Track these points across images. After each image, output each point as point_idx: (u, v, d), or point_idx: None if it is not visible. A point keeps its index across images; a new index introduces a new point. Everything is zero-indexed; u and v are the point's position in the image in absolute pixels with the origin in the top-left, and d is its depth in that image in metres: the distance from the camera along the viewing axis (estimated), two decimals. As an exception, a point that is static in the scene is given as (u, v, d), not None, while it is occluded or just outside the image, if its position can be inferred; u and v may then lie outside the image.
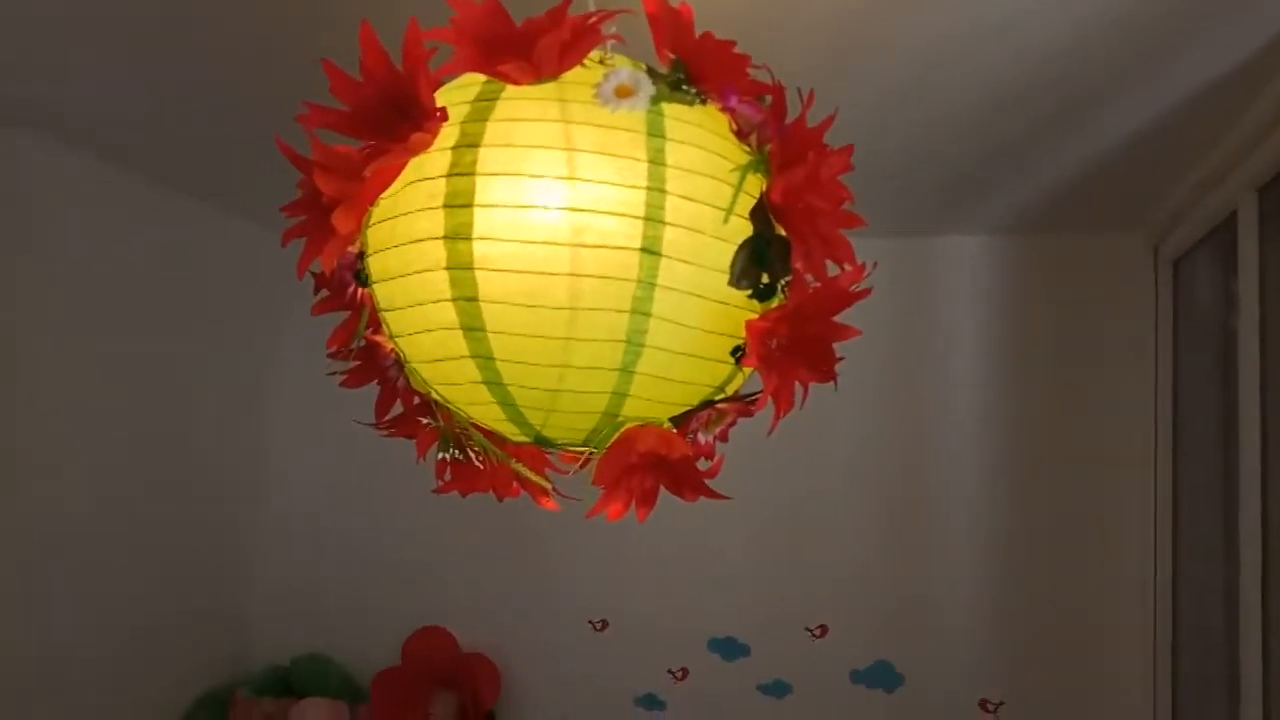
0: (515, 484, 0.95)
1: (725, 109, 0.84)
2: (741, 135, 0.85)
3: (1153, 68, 1.49)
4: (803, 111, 0.85)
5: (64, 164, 2.14)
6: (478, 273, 0.77)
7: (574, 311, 0.77)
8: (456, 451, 0.93)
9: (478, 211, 0.77)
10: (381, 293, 0.86)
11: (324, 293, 0.96)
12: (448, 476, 0.97)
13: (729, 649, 2.54)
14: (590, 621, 2.65)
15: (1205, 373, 2.16)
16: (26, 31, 1.52)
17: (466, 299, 0.78)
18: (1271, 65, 1.44)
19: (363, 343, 0.96)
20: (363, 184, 0.78)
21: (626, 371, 0.80)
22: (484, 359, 0.80)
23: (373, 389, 2.80)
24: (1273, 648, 1.62)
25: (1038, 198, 2.15)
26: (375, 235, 0.83)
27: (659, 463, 0.82)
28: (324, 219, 0.82)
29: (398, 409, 1.00)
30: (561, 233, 0.76)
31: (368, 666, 2.75)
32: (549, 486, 0.95)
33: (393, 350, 0.95)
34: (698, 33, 0.83)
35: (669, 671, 2.57)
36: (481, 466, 0.93)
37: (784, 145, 0.82)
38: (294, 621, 2.85)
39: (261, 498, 2.88)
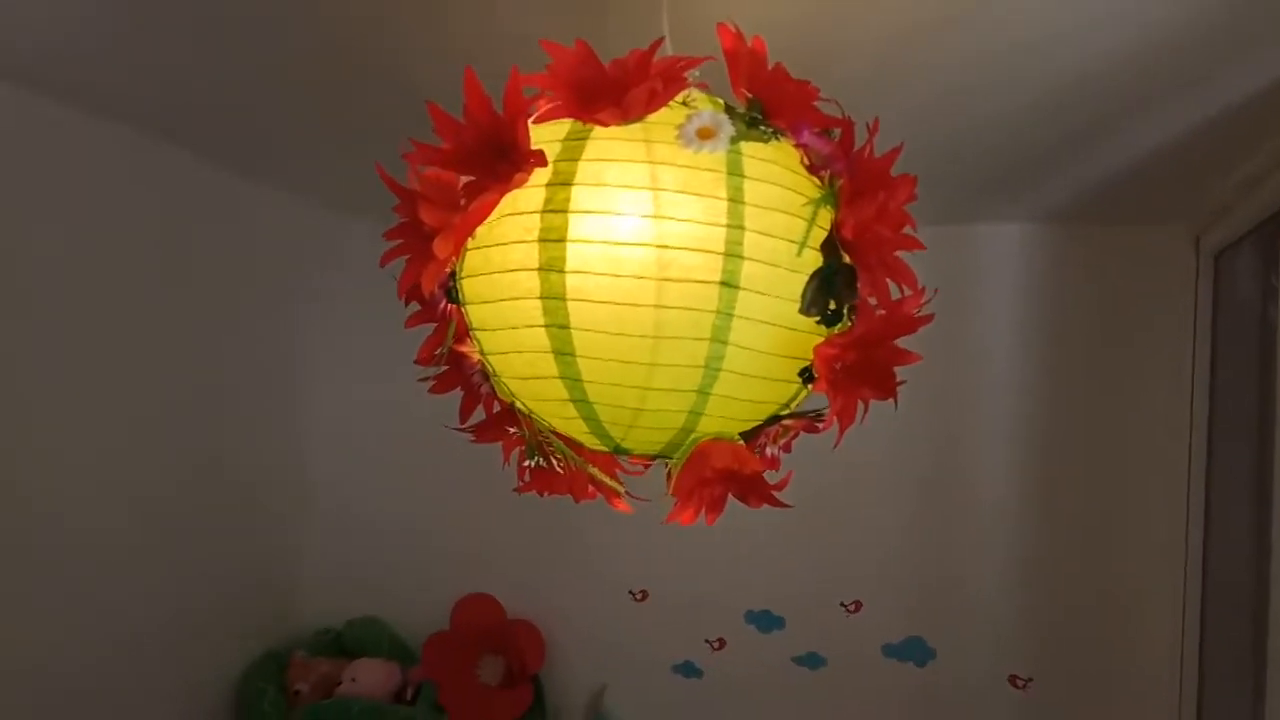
0: (591, 487, 1.02)
1: (798, 145, 0.90)
2: (813, 170, 0.90)
3: (1204, 77, 1.52)
4: (869, 141, 0.91)
5: (102, 134, 2.13)
6: (570, 303, 0.84)
7: (658, 340, 0.84)
8: (541, 459, 1.00)
9: (570, 246, 0.83)
10: (474, 313, 0.93)
11: (415, 306, 1.03)
12: (528, 478, 1.04)
13: (765, 621, 2.63)
14: (630, 592, 2.74)
15: (1243, 364, 2.19)
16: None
17: (558, 326, 0.85)
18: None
19: (448, 352, 1.03)
20: (463, 215, 0.85)
21: (703, 393, 0.87)
22: (572, 380, 0.87)
23: (405, 375, 2.86)
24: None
25: (1081, 189, 2.18)
26: (470, 261, 0.90)
27: (732, 476, 0.89)
28: (424, 244, 0.89)
29: (479, 414, 1.08)
30: (648, 267, 0.82)
31: (418, 630, 2.88)
32: (622, 489, 1.02)
33: (479, 361, 1.03)
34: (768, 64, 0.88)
35: (706, 641, 2.67)
36: (561, 471, 1.00)
37: (854, 179, 0.88)
38: (348, 589, 2.97)
39: (310, 478, 2.98)
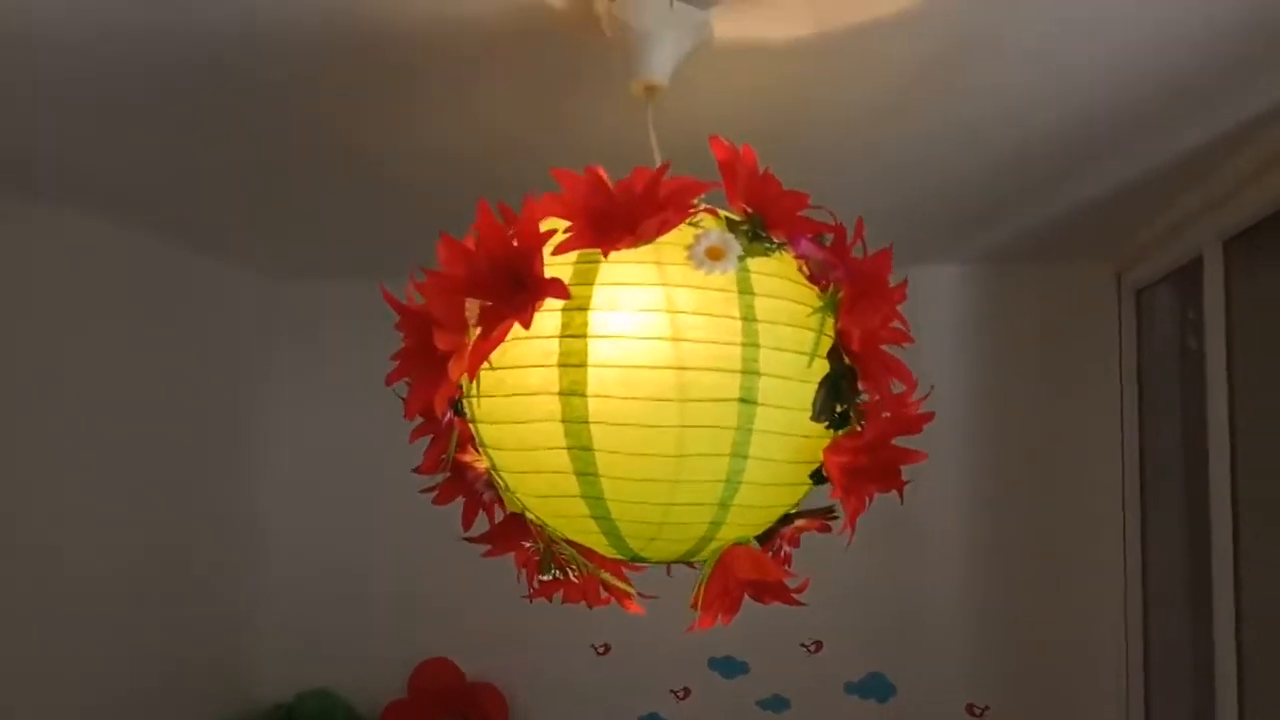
0: (603, 591, 1.03)
1: (799, 255, 0.93)
2: (813, 279, 0.93)
3: (1127, 147, 1.63)
4: (857, 242, 0.94)
5: (49, 217, 2.13)
6: (592, 426, 0.85)
7: (680, 458, 0.85)
8: (558, 572, 1.00)
9: (591, 371, 0.85)
10: (488, 432, 0.93)
11: (419, 419, 1.03)
12: (537, 586, 1.04)
13: (728, 667, 2.65)
14: (593, 646, 2.74)
15: (1168, 393, 2.32)
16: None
17: (581, 448, 0.86)
18: (1241, 137, 1.58)
19: (451, 462, 1.03)
20: (481, 341, 0.85)
21: (724, 505, 0.89)
22: (594, 499, 0.88)
23: (360, 441, 2.82)
24: (1245, 655, 1.77)
25: (1016, 235, 2.28)
26: (484, 382, 0.90)
27: (757, 585, 0.91)
28: (433, 365, 0.89)
29: (482, 521, 1.07)
30: (669, 389, 0.84)
31: (373, 700, 2.81)
32: (634, 592, 1.04)
33: (485, 471, 1.03)
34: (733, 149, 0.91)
35: (671, 691, 2.68)
36: (576, 580, 1.01)
37: (853, 285, 0.91)
38: (297, 660, 2.89)
39: (258, 541, 2.91)
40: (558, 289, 0.82)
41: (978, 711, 2.52)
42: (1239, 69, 1.34)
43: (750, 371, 0.85)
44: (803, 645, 2.62)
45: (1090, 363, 2.53)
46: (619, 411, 0.85)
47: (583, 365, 0.85)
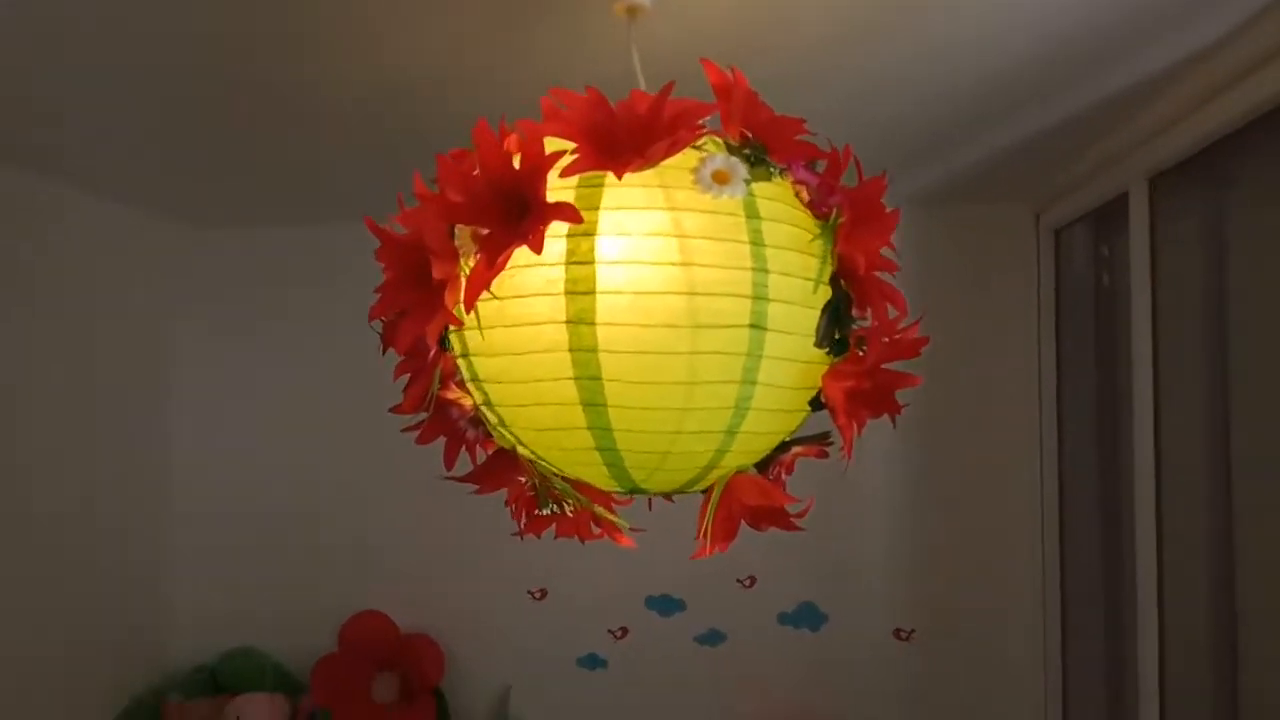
0: (594, 525, 1.02)
1: (798, 181, 0.92)
2: (813, 205, 0.92)
3: (1068, 86, 1.68)
4: (860, 176, 0.94)
5: None
6: (601, 354, 0.83)
7: (691, 386, 0.84)
8: (555, 506, 0.98)
9: (600, 297, 0.82)
10: (486, 366, 0.90)
11: (390, 349, 0.98)
12: (525, 523, 1.02)
13: (665, 605, 2.69)
14: (529, 591, 2.73)
15: (1084, 330, 2.42)
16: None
17: (589, 378, 0.84)
18: (1172, 75, 1.64)
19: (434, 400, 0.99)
20: (481, 270, 0.82)
21: (731, 432, 0.88)
22: (601, 429, 0.86)
23: (274, 386, 2.67)
24: (1164, 575, 1.89)
25: (940, 176, 2.33)
26: (482, 313, 0.87)
27: (762, 512, 0.91)
28: (427, 296, 0.85)
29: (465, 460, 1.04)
30: (680, 315, 0.82)
31: (302, 658, 2.74)
32: (626, 525, 1.03)
33: (470, 409, 0.99)
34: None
35: (609, 631, 2.70)
36: (571, 515, 0.99)
37: (853, 211, 0.91)
38: (217, 620, 2.80)
39: (167, 494, 2.78)
40: (569, 213, 0.79)
41: (904, 635, 2.63)
42: (1170, 10, 1.39)
43: (760, 297, 0.84)
44: (738, 581, 2.67)
45: (1009, 303, 2.61)
46: (629, 339, 0.83)
47: (591, 292, 0.82)
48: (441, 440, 1.03)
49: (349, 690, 2.67)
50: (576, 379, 0.84)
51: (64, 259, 2.37)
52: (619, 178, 0.80)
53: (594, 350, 0.83)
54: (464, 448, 1.04)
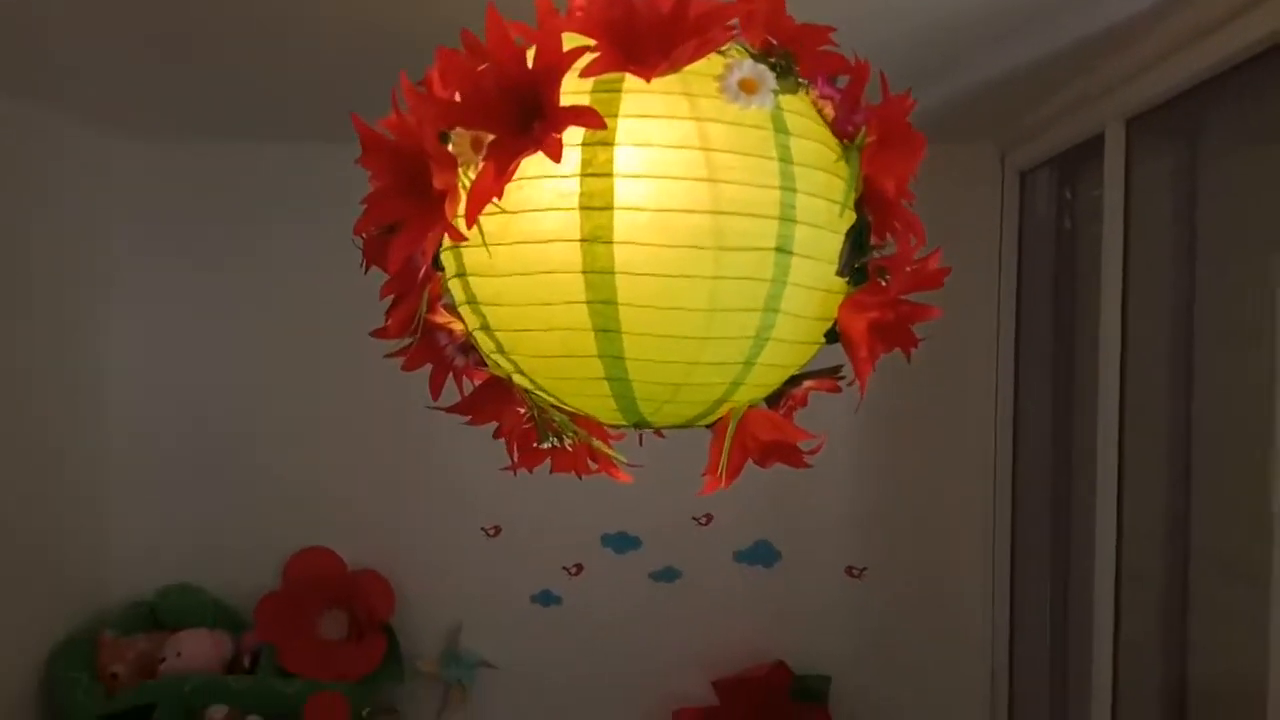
0: (591, 461, 0.96)
1: (822, 95, 0.86)
2: (837, 124, 0.86)
3: (1048, 22, 1.64)
4: (886, 94, 0.88)
5: None
6: (618, 276, 0.76)
7: (712, 312, 0.78)
8: (554, 440, 0.92)
9: (618, 214, 0.75)
10: (485, 287, 0.82)
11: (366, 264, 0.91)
12: (516, 458, 0.96)
13: (621, 543, 2.67)
14: (483, 528, 2.68)
15: (1045, 275, 2.43)
16: None
17: (603, 302, 0.77)
18: (1149, 20, 1.61)
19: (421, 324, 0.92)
20: (486, 179, 0.74)
21: (749, 364, 0.83)
22: (612, 358, 0.80)
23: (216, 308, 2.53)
24: (1124, 513, 1.93)
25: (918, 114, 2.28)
26: (486, 227, 0.79)
27: (777, 447, 0.86)
28: (424, 207, 0.78)
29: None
30: (705, 236, 0.76)
31: (243, 594, 2.66)
32: (623, 460, 0.98)
33: (461, 334, 0.92)
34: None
35: (563, 568, 2.67)
36: (570, 449, 0.93)
37: (881, 132, 0.85)
38: (155, 555, 2.69)
39: (103, 422, 2.64)
40: (590, 118, 0.72)
41: (856, 572, 2.66)
42: None
43: (787, 219, 0.79)
44: (694, 519, 2.66)
45: (971, 245, 2.60)
46: (648, 260, 0.76)
47: (608, 208, 0.76)
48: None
49: (295, 627, 2.61)
50: (589, 303, 0.78)
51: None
52: (647, 80, 0.72)
53: (610, 272, 0.76)
54: (451, 376, 0.97)
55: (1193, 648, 1.83)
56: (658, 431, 0.95)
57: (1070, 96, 2.03)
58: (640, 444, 1.08)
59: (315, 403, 2.69)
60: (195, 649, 2.55)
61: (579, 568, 2.67)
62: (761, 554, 2.67)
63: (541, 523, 2.66)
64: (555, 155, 0.71)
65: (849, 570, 2.66)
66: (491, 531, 2.68)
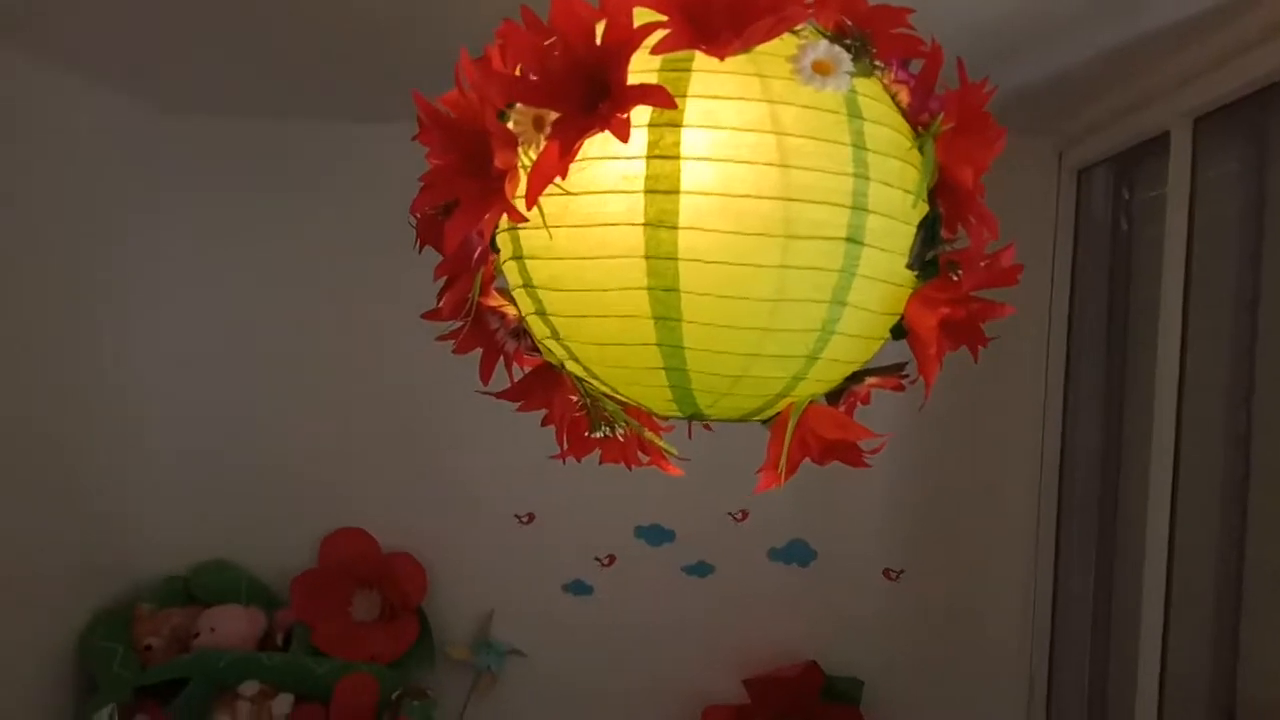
0: (641, 452, 0.94)
1: (897, 80, 0.82)
2: (911, 110, 0.83)
3: (1112, 16, 1.58)
4: (964, 82, 0.85)
5: None
6: (681, 263, 0.74)
7: (777, 303, 0.76)
8: (607, 429, 0.90)
9: (684, 198, 0.73)
10: (542, 270, 0.80)
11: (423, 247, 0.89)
12: (569, 444, 0.94)
13: (655, 535, 2.64)
14: (516, 515, 2.67)
15: (1101, 275, 2.37)
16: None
17: (665, 289, 0.75)
18: (1217, 18, 1.55)
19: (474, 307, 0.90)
20: (550, 158, 0.72)
21: (812, 358, 0.80)
22: (671, 347, 0.78)
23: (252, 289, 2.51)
24: (1178, 521, 1.87)
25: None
26: (546, 209, 0.77)
27: (839, 445, 0.83)
28: (483, 186, 0.76)
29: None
30: (774, 224, 0.73)
31: (278, 572, 2.67)
32: (674, 451, 0.95)
33: (515, 319, 0.90)
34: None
35: (596, 559, 2.66)
36: (622, 440, 0.91)
37: (960, 119, 0.82)
38: (190, 530, 2.71)
39: (135, 398, 2.65)
40: (660, 96, 0.69)
41: (893, 575, 2.61)
42: None
43: (859, 208, 0.75)
44: (729, 515, 2.63)
45: (1024, 244, 2.53)
46: (714, 247, 0.73)
47: (674, 192, 0.73)
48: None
49: (328, 606, 2.61)
50: (650, 289, 0.75)
51: (18, 133, 2.18)
52: (720, 59, 0.70)
53: (673, 258, 0.74)
54: (502, 361, 0.95)
55: (1243, 663, 1.77)
56: (707, 424, 0.92)
57: (1134, 93, 1.97)
58: (690, 437, 1.05)
59: (350, 382, 2.69)
60: (230, 624, 2.56)
61: (611, 559, 2.65)
62: (797, 553, 2.63)
63: (575, 512, 2.64)
64: (623, 135, 0.68)
65: (886, 573, 2.62)
66: (525, 519, 2.67)
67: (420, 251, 0.92)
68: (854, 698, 2.53)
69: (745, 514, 2.63)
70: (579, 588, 2.66)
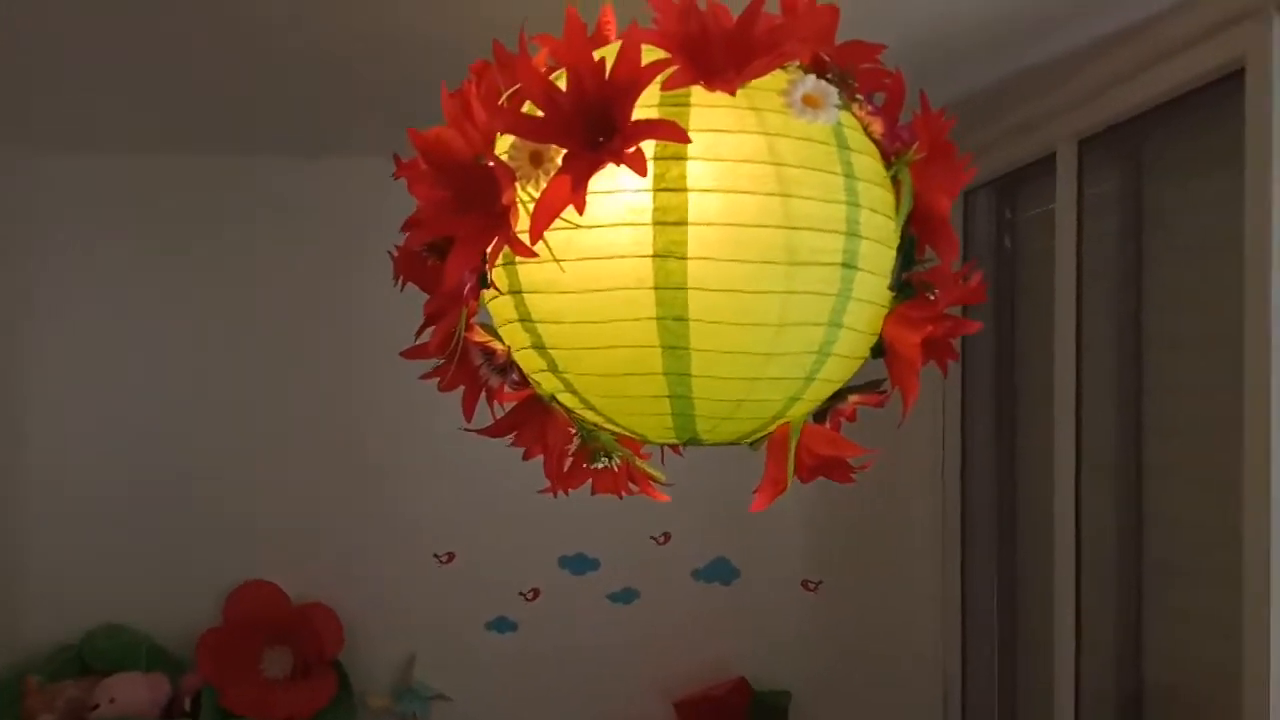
0: (631, 481, 0.95)
1: (873, 113, 0.86)
2: (886, 141, 0.87)
3: (1001, 51, 1.70)
4: (926, 110, 0.90)
5: None
6: (691, 292, 0.75)
7: (780, 328, 0.78)
8: (606, 459, 0.90)
9: (692, 229, 0.74)
10: (542, 303, 0.80)
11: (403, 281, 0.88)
12: (553, 480, 0.94)
13: (578, 564, 2.63)
14: (435, 555, 2.61)
15: (988, 288, 2.51)
16: None
17: (674, 319, 0.76)
18: (1098, 50, 1.69)
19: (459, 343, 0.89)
20: (556, 193, 0.72)
21: (809, 379, 0.83)
22: (678, 375, 0.79)
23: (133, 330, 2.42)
24: (1083, 544, 1.99)
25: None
26: (550, 243, 0.77)
27: (832, 462, 0.86)
28: (486, 223, 0.76)
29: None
30: (778, 251, 0.76)
31: (182, 633, 2.52)
32: (662, 478, 0.96)
33: (503, 353, 0.90)
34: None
35: (520, 594, 2.62)
36: (616, 470, 0.91)
37: (931, 148, 0.87)
38: (78, 595, 2.52)
39: (18, 449, 2.47)
40: (672, 131, 0.70)
41: (812, 586, 2.68)
42: None
43: (853, 234, 0.79)
44: (651, 538, 2.64)
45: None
46: (722, 276, 0.75)
47: (682, 223, 0.74)
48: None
49: (238, 666, 2.48)
50: (659, 319, 0.76)
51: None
52: (731, 94, 0.72)
53: (683, 288, 0.75)
54: (485, 396, 0.94)
55: (1146, 655, 1.90)
56: (676, 449, 0.94)
57: (1021, 117, 2.11)
58: (662, 461, 1.06)
59: (251, 427, 2.58)
60: (130, 693, 2.40)
61: (535, 592, 2.62)
62: (719, 571, 2.67)
63: (496, 547, 2.60)
64: (641, 170, 0.70)
65: (805, 584, 2.69)
66: (444, 558, 2.61)
67: (401, 289, 0.90)
68: (782, 710, 2.58)
69: (667, 536, 2.65)
70: (502, 625, 2.62)
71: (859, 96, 0.85)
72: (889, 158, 0.87)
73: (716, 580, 2.67)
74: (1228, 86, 1.48)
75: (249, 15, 1.54)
